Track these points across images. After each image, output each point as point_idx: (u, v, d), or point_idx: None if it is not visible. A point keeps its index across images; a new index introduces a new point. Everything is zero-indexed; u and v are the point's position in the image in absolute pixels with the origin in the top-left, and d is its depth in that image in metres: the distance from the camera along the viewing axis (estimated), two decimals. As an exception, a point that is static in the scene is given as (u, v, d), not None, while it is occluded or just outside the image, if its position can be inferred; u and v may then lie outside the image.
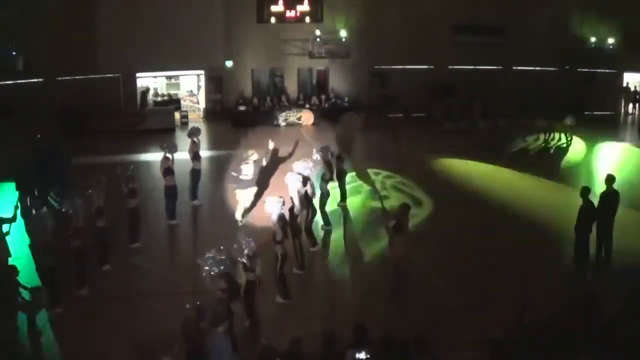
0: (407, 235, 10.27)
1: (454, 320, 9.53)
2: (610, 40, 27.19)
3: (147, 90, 26.48)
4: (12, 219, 10.93)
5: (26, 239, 11.30)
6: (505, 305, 8.75)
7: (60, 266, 10.06)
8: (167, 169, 13.91)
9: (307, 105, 26.87)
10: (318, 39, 26.62)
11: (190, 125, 20.35)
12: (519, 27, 26.61)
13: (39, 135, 16.30)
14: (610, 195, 11.63)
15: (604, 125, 25.62)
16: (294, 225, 11.45)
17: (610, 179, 11.76)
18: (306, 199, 12.19)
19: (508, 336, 7.22)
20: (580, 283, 10.87)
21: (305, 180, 12.17)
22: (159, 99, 26.80)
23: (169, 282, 11.13)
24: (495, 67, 27.61)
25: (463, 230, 13.58)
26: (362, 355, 6.55)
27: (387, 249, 10.59)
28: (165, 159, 13.89)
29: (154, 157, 16.94)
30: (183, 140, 16.58)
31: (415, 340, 6.62)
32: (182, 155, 15.07)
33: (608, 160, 20.60)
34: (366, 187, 15.42)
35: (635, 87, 29.44)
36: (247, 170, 13.74)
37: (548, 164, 19.81)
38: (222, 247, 8.74)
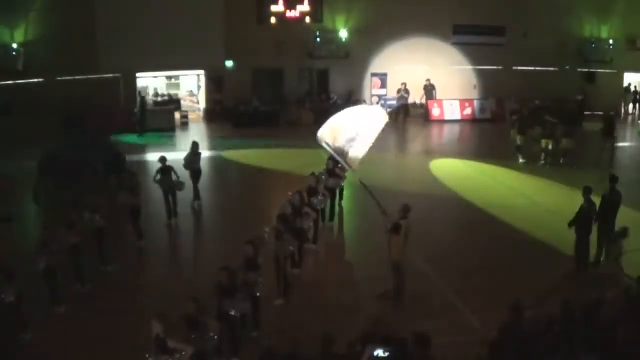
0: (406, 235, 10.20)
1: (454, 320, 9.50)
2: (611, 40, 27.22)
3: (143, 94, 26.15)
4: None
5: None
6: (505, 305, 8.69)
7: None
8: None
9: (307, 105, 26.84)
10: (318, 39, 26.61)
11: (191, 125, 20.30)
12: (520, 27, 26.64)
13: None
14: (612, 195, 11.58)
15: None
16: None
17: (612, 179, 11.72)
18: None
19: (508, 336, 7.19)
20: (581, 283, 10.82)
21: None
22: (159, 99, 26.77)
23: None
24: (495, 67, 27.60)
25: (463, 229, 13.52)
26: (381, 352, 6.45)
27: (387, 249, 10.53)
28: None
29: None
30: (183, 140, 16.54)
31: (415, 340, 6.57)
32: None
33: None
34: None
35: (635, 87, 29.43)
36: None
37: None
38: None
